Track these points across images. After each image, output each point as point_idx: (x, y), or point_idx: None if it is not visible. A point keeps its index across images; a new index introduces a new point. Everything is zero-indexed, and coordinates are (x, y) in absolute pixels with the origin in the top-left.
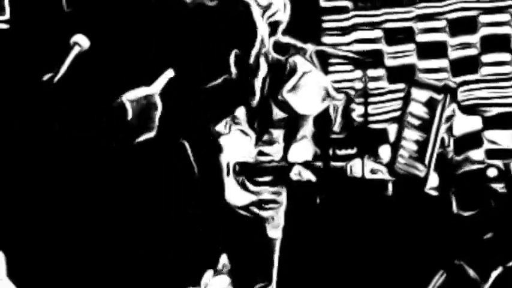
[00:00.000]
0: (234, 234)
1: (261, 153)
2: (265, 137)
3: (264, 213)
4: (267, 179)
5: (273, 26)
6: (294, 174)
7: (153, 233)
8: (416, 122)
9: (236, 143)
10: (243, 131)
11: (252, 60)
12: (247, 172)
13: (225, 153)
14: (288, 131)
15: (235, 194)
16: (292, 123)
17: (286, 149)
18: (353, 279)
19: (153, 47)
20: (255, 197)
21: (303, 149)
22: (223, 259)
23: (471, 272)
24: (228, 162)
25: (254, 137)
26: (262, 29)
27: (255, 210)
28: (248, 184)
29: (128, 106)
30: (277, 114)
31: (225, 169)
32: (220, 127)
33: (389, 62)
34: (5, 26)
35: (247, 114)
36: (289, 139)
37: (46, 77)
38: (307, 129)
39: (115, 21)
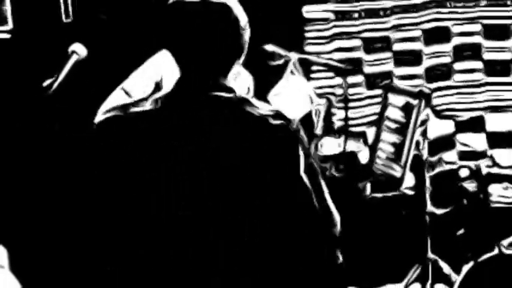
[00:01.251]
0: None
1: None
2: None
3: None
4: None
5: None
6: None
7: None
8: (393, 126)
9: None
10: None
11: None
12: None
13: None
14: None
15: None
16: None
17: None
18: (336, 274)
19: (148, 54)
20: None
21: None
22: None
23: (444, 266)
24: None
25: None
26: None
27: None
28: None
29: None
30: None
31: None
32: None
33: (367, 69)
34: (7, 36)
35: None
36: None
37: (46, 83)
38: None
39: (112, 31)
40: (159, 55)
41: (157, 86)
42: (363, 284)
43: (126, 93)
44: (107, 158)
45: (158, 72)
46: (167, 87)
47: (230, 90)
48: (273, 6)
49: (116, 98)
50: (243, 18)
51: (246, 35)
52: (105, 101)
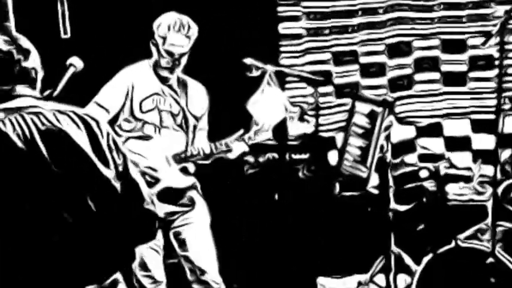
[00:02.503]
0: None
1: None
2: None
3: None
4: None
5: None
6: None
7: None
8: (360, 131)
9: (169, 139)
10: (174, 130)
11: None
12: (183, 160)
13: (160, 149)
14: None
15: (178, 179)
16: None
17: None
18: (309, 265)
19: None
20: (194, 180)
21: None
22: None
23: (406, 258)
24: (166, 156)
25: (183, 133)
26: None
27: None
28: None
29: None
30: None
31: (165, 161)
32: (149, 131)
33: (336, 80)
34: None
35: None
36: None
37: (46, 93)
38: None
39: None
40: (128, 68)
41: (127, 97)
42: (333, 273)
43: (100, 106)
44: None
45: (129, 83)
46: (137, 97)
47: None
48: (251, 24)
49: (90, 112)
50: None
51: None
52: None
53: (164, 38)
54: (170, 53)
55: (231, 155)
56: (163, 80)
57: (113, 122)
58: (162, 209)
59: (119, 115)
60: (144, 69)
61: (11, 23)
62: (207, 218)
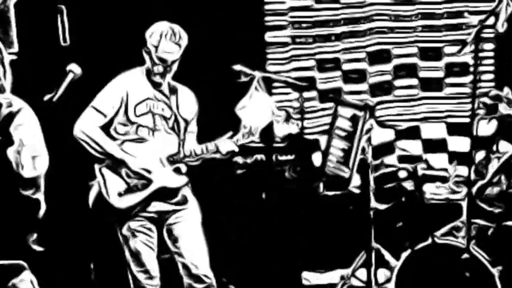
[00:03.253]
0: None
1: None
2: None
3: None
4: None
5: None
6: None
7: None
8: (342, 134)
9: (162, 142)
10: (166, 133)
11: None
12: (177, 161)
13: (154, 151)
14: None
15: (171, 179)
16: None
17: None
18: (294, 260)
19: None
20: (186, 179)
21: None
22: None
23: (386, 253)
24: (160, 158)
25: (175, 136)
26: None
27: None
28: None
29: None
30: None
31: (160, 163)
32: (144, 134)
33: (320, 86)
34: (14, 57)
35: (164, 123)
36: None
37: (47, 97)
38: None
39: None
40: (123, 75)
41: (122, 102)
42: (317, 268)
43: (97, 110)
44: None
45: (124, 89)
46: (132, 102)
47: None
48: (240, 33)
49: (88, 116)
50: None
51: None
52: (79, 119)
53: (156, 47)
54: (163, 60)
55: (220, 155)
56: (156, 86)
57: (108, 125)
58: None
59: (114, 119)
60: (137, 76)
61: (13, 32)
62: (199, 215)
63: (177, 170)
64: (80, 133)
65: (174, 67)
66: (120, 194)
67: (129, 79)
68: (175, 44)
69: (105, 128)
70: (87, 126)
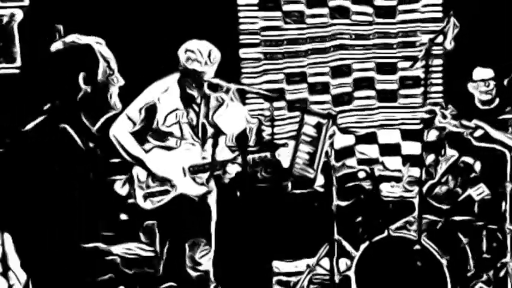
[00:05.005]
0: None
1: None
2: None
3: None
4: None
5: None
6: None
7: None
8: (308, 139)
9: (186, 152)
10: (191, 144)
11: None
12: (198, 171)
13: (178, 160)
14: (214, 141)
15: (191, 187)
16: (217, 136)
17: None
18: (266, 251)
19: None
20: (206, 188)
21: (225, 152)
22: None
23: (346, 245)
24: (183, 167)
25: (199, 146)
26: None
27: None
28: (198, 180)
29: None
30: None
31: (182, 172)
32: (171, 143)
33: (288, 96)
34: (17, 71)
35: (190, 132)
36: (215, 146)
37: (46, 107)
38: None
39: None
40: (157, 83)
41: (153, 110)
42: (286, 258)
43: (128, 118)
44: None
45: (156, 98)
46: (163, 111)
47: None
48: (218, 49)
49: (120, 122)
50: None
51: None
52: (113, 124)
53: (194, 70)
54: (201, 80)
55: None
56: (189, 97)
57: (146, 130)
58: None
59: (148, 125)
60: (170, 85)
61: (17, 49)
62: (214, 216)
63: (196, 179)
64: (112, 137)
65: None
66: (144, 197)
67: (161, 88)
68: (211, 65)
69: (143, 133)
70: (117, 132)
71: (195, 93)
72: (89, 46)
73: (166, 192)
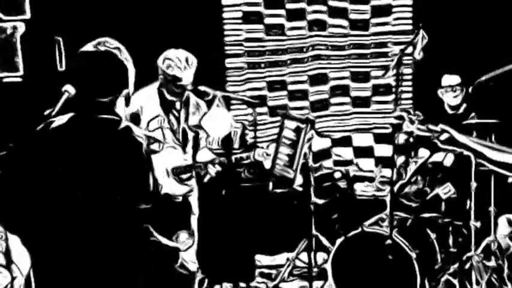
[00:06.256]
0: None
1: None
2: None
3: (190, 199)
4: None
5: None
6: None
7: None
8: (288, 142)
9: (169, 155)
10: (173, 147)
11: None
12: (181, 172)
13: (162, 163)
14: (195, 144)
15: (174, 187)
16: (197, 139)
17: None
18: (249, 245)
19: None
20: (188, 187)
21: (205, 154)
22: None
23: (323, 239)
24: (166, 169)
25: (181, 149)
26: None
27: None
28: (182, 179)
29: None
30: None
31: (165, 173)
32: (155, 147)
33: (270, 103)
34: (19, 80)
35: (172, 136)
36: (195, 148)
37: (46, 112)
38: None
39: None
40: (139, 92)
41: (137, 117)
42: (267, 252)
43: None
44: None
45: (138, 105)
46: (145, 118)
47: (117, 115)
48: (205, 59)
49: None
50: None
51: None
52: None
53: (174, 76)
54: (181, 86)
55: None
56: (169, 103)
57: None
58: None
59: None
60: (151, 93)
61: (19, 58)
62: (196, 212)
63: (180, 180)
64: None
65: (190, 86)
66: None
67: (143, 97)
68: (190, 69)
69: None
70: None
71: (175, 99)
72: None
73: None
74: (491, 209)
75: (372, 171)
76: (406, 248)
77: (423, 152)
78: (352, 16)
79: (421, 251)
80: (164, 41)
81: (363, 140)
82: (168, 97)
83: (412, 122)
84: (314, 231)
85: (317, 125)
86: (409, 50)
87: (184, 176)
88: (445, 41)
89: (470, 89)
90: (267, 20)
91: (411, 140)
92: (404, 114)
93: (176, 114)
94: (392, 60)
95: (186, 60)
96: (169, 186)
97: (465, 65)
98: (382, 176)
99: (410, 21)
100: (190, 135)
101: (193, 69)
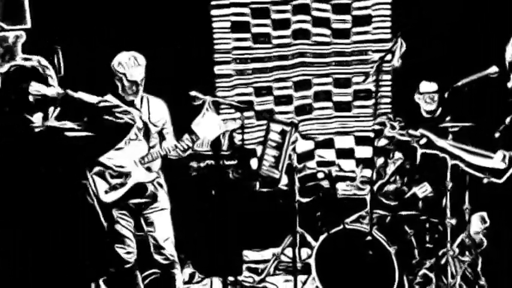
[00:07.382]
0: None
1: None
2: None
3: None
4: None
5: None
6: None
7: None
8: (274, 144)
9: (135, 148)
10: (138, 140)
11: None
12: (147, 162)
13: (130, 155)
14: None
15: (144, 175)
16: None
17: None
18: (237, 241)
19: None
20: (156, 174)
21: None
22: None
23: (307, 236)
24: (134, 160)
25: (145, 142)
26: None
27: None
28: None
29: None
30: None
31: (134, 164)
32: (121, 144)
33: (257, 107)
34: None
35: (136, 131)
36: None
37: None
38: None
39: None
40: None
41: None
42: (254, 248)
43: None
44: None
45: None
46: None
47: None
48: (195, 66)
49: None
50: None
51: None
52: None
53: (125, 74)
54: (134, 82)
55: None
56: (129, 104)
57: None
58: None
59: None
60: (109, 98)
61: None
62: (168, 206)
63: (148, 168)
64: None
65: (143, 83)
66: (106, 192)
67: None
68: (139, 66)
69: None
70: None
71: (132, 98)
72: None
73: (125, 184)
74: (466, 207)
75: (353, 172)
76: (385, 244)
77: (399, 154)
78: (334, 25)
79: (400, 247)
80: (157, 50)
81: (344, 142)
82: (126, 98)
83: (393, 127)
84: (298, 228)
85: (301, 128)
86: (388, 57)
87: (150, 163)
88: (422, 49)
89: (446, 94)
90: (254, 29)
91: (391, 145)
92: (386, 120)
93: (138, 113)
94: (372, 67)
95: (135, 59)
96: (138, 175)
97: (441, 72)
98: (363, 176)
99: (389, 30)
100: (154, 129)
101: (143, 66)
